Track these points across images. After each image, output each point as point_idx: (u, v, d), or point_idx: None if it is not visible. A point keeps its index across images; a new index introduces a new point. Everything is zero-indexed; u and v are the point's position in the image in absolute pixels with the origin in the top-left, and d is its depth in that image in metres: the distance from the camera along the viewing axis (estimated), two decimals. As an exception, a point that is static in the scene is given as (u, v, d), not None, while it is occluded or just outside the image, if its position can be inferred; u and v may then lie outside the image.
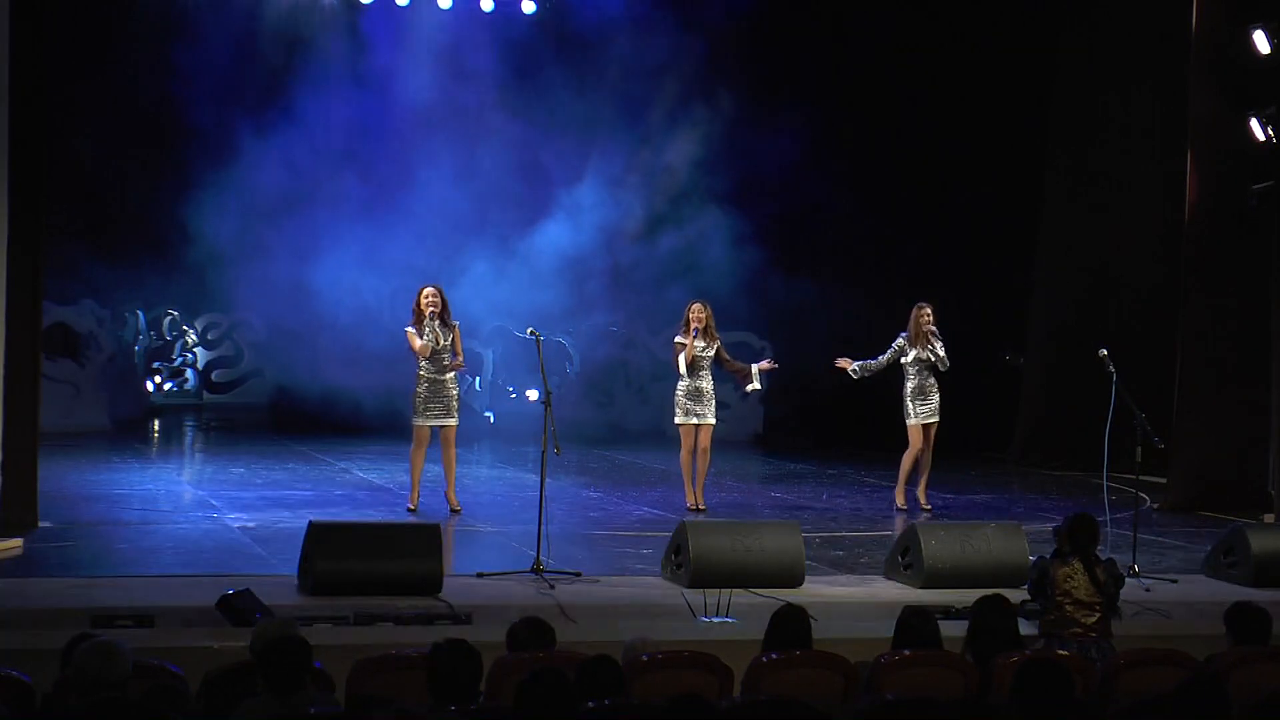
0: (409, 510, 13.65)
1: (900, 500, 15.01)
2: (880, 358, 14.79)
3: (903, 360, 14.72)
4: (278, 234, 20.33)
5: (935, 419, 14.71)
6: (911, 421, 14.68)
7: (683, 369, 14.31)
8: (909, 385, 14.69)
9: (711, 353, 14.41)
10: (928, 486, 15.01)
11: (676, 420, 14.46)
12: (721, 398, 15.06)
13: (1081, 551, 8.92)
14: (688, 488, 14.51)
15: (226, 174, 20.36)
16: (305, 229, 20.48)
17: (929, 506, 14.86)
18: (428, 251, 20.10)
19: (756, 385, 14.63)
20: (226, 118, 20.48)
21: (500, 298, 20.11)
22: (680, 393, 14.40)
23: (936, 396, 14.72)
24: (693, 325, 14.31)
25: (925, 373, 14.70)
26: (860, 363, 14.82)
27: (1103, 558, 9.10)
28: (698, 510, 14.22)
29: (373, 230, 20.83)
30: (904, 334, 14.77)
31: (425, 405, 13.63)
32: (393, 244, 20.76)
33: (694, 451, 14.41)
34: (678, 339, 14.48)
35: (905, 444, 14.84)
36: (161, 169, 21.15)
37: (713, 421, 14.44)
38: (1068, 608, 8.80)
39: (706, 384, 14.39)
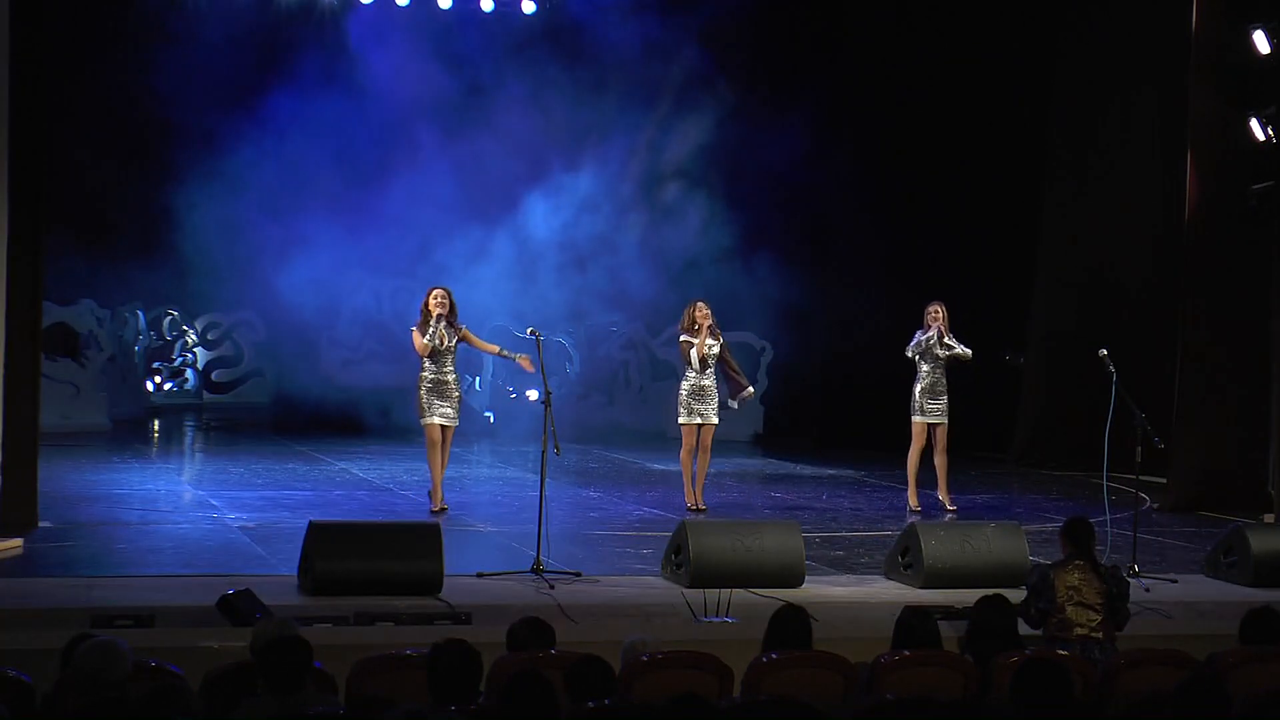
0: (431, 511, 13.63)
1: (913, 502, 14.95)
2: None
3: (917, 355, 14.69)
4: (278, 234, 20.33)
5: (943, 420, 14.71)
6: (916, 419, 14.69)
7: (695, 364, 14.25)
8: (921, 383, 14.68)
9: (716, 350, 14.38)
10: (949, 488, 14.98)
11: (680, 420, 14.41)
12: (721, 398, 14.98)
13: (1085, 553, 8.90)
14: (687, 487, 14.48)
15: (227, 174, 20.36)
16: (305, 229, 20.48)
17: (953, 507, 14.83)
18: (427, 251, 20.11)
19: (734, 405, 14.74)
20: (226, 118, 20.47)
21: (500, 297, 20.11)
22: (684, 392, 14.37)
23: (945, 398, 14.72)
24: (702, 326, 14.24)
25: (938, 371, 14.68)
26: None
27: (1105, 565, 9.08)
28: (698, 510, 14.21)
29: (372, 230, 20.83)
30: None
31: (429, 405, 13.65)
32: (392, 244, 20.76)
33: (695, 450, 14.37)
34: (683, 337, 14.43)
35: (906, 444, 14.86)
36: (161, 169, 21.13)
37: (716, 421, 14.42)
38: (1069, 609, 8.78)
39: (710, 382, 14.37)
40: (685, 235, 21.05)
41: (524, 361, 13.49)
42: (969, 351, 14.70)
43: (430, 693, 6.18)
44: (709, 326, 14.29)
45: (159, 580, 10.41)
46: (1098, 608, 8.78)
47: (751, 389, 14.94)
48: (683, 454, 14.49)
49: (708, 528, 11.20)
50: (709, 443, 14.40)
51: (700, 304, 14.46)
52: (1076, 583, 8.82)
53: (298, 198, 20.63)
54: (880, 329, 20.24)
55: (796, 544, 10.99)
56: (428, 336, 13.55)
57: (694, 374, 14.31)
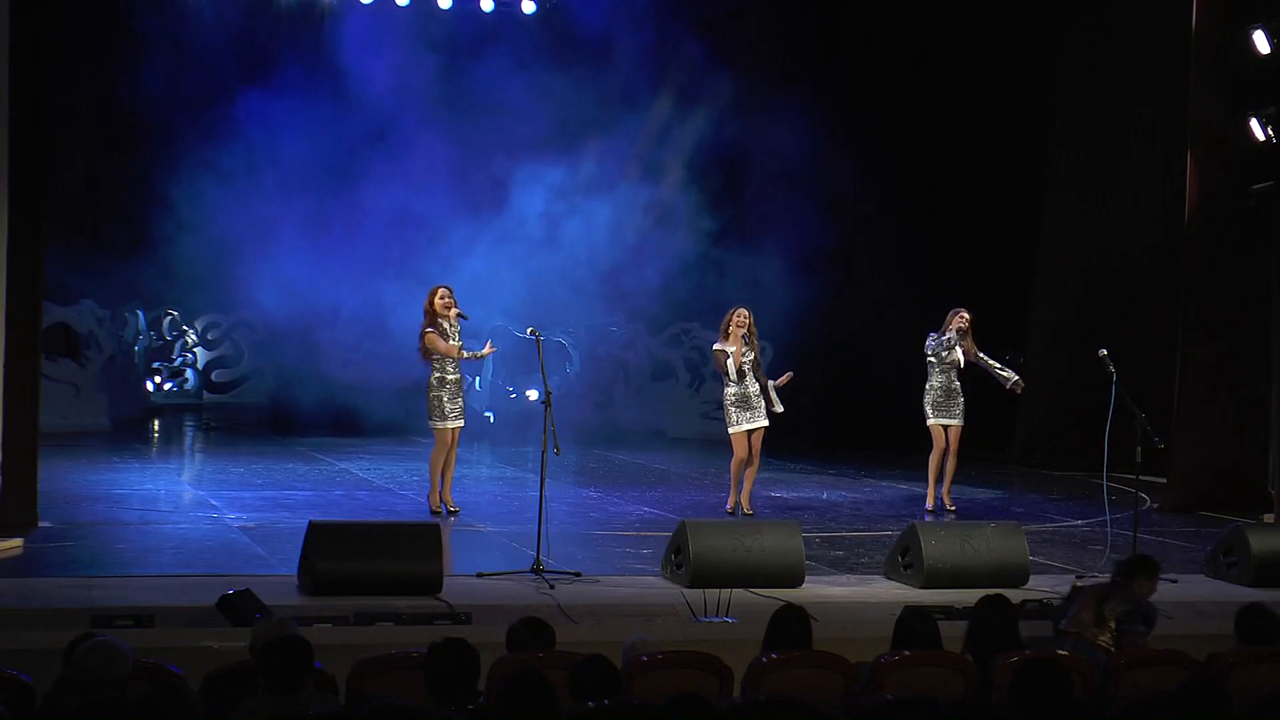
0: (433, 512, 13.60)
1: (930, 502, 14.96)
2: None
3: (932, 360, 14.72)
4: (278, 234, 20.33)
5: (956, 422, 14.73)
6: (931, 421, 14.71)
7: (733, 374, 14.04)
8: (932, 387, 14.69)
9: (751, 357, 14.22)
10: (950, 489, 14.99)
11: (730, 430, 14.08)
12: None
13: (1122, 584, 8.81)
14: (733, 492, 14.21)
15: (227, 174, 20.36)
16: (305, 229, 20.48)
17: (953, 508, 14.83)
18: (427, 251, 20.10)
19: (779, 408, 14.26)
20: (226, 118, 20.48)
21: (500, 297, 20.11)
22: (730, 401, 14.09)
23: (961, 400, 14.74)
24: (735, 334, 14.04)
25: (951, 374, 14.69)
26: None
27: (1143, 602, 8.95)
28: (745, 514, 13.95)
29: (372, 230, 20.83)
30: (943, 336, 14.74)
31: (445, 408, 13.60)
32: (392, 244, 20.75)
33: (745, 459, 14.10)
34: (717, 346, 14.24)
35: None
36: (161, 169, 21.13)
37: (765, 424, 14.12)
38: (1083, 616, 8.77)
39: (753, 388, 14.10)
40: (685, 234, 21.05)
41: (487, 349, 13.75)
42: (1010, 376, 14.76)
43: (429, 692, 6.18)
44: (743, 335, 14.04)
45: (159, 580, 10.41)
46: (1109, 627, 8.73)
47: (775, 384, 14.15)
48: (733, 463, 14.16)
49: (708, 528, 11.20)
50: (758, 447, 14.15)
51: (741, 310, 14.19)
52: (1101, 599, 8.80)
53: (298, 198, 20.63)
54: (881, 328, 20.26)
55: (796, 544, 10.99)
56: (454, 339, 13.53)
57: (734, 384, 14.12)
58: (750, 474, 14.19)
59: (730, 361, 14.03)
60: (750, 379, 14.12)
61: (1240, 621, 7.90)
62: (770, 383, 14.22)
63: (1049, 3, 19.91)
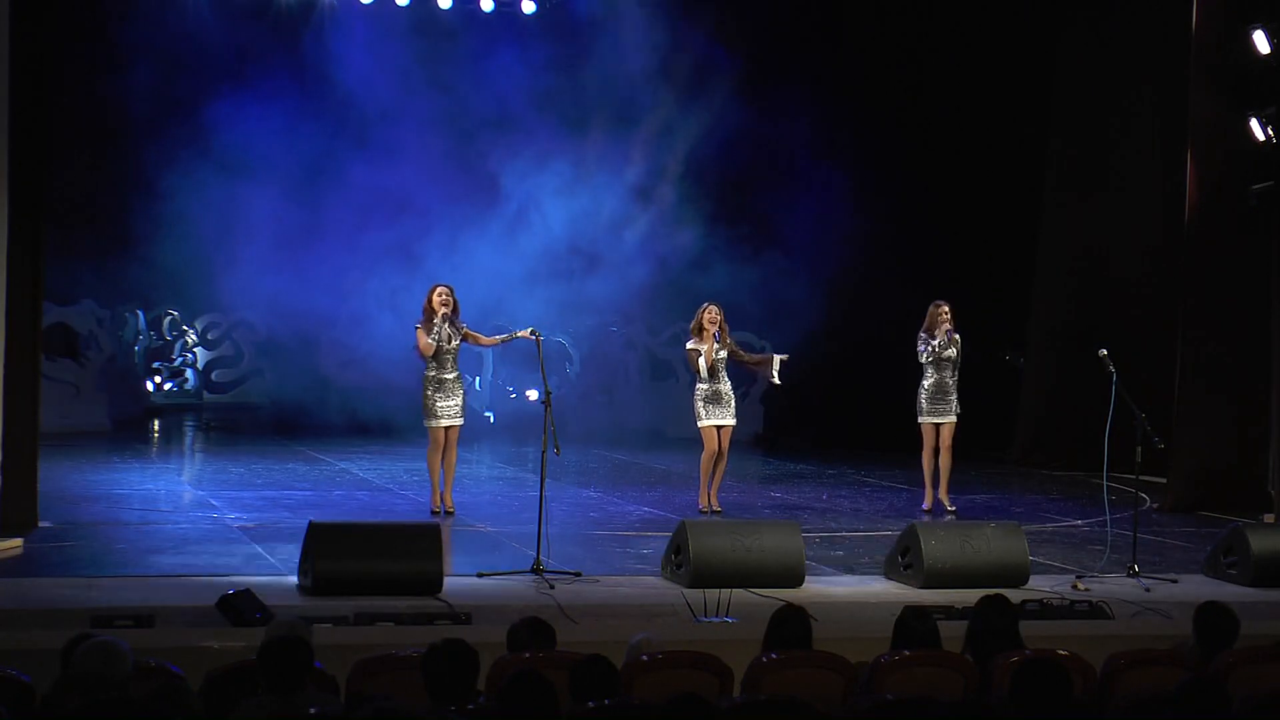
0: (433, 512, 13.61)
1: (927, 503, 14.92)
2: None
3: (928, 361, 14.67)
4: (278, 234, 20.33)
5: (950, 419, 14.70)
6: (922, 420, 14.68)
7: (704, 373, 14.17)
8: (926, 386, 14.66)
9: (725, 353, 14.29)
10: (948, 489, 14.96)
11: (699, 424, 14.26)
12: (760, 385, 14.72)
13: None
14: (703, 489, 14.34)
15: (227, 174, 20.35)
16: (305, 229, 20.47)
17: (953, 508, 14.78)
18: (427, 251, 20.11)
19: (777, 380, 14.47)
20: (227, 116, 20.47)
21: (501, 296, 20.10)
22: (699, 396, 14.25)
23: (953, 397, 14.71)
24: (710, 330, 14.17)
25: (945, 372, 14.66)
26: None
27: None
28: (712, 512, 14.11)
29: (372, 230, 20.83)
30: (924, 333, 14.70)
31: (436, 406, 13.60)
32: (392, 243, 20.75)
33: (716, 454, 14.24)
34: (690, 344, 14.33)
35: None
36: (162, 169, 21.11)
37: (733, 422, 14.32)
38: None
39: (725, 386, 14.24)
40: (685, 234, 21.05)
41: (525, 334, 13.21)
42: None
43: (428, 693, 6.18)
44: (714, 333, 14.15)
45: (159, 580, 10.42)
46: None
47: (777, 357, 14.42)
48: (703, 457, 14.30)
49: (708, 528, 11.21)
50: (726, 445, 14.30)
51: (711, 307, 14.29)
52: None
53: (298, 197, 20.63)
54: (881, 328, 20.26)
55: (796, 544, 10.99)
56: (431, 336, 13.50)
57: (705, 381, 14.21)
58: (719, 470, 14.31)
59: (702, 360, 14.12)
60: (723, 375, 14.22)
61: (1198, 620, 7.75)
62: (775, 358, 14.25)
63: (1049, 2, 19.92)
